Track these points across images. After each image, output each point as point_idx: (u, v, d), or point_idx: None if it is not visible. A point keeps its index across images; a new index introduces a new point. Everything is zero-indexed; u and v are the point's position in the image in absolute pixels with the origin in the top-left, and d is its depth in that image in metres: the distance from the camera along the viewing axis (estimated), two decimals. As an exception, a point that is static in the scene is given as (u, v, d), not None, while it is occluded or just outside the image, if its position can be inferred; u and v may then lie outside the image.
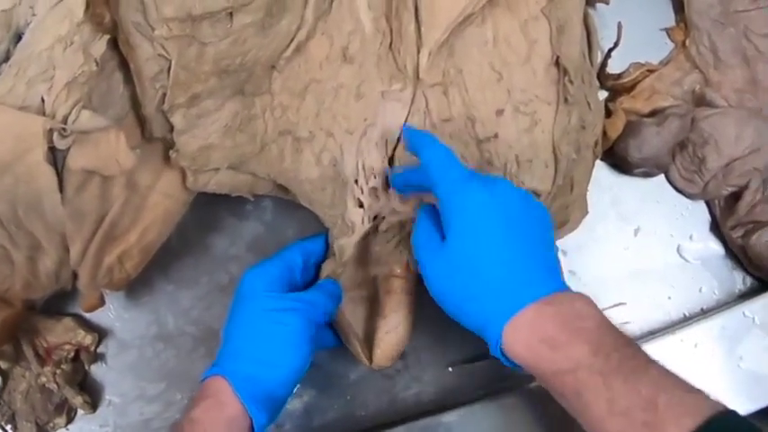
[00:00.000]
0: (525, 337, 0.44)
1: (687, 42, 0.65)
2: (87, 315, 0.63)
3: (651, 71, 0.64)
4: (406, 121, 0.57)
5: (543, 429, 0.58)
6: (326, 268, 0.58)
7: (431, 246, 0.49)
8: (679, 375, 0.42)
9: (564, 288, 0.46)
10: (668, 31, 0.66)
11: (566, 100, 0.57)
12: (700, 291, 0.64)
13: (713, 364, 0.60)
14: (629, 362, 0.42)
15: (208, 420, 0.49)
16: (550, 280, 0.46)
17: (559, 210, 0.58)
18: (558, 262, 0.49)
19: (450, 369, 0.63)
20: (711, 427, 0.39)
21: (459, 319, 0.48)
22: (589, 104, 0.59)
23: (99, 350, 0.64)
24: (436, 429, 0.59)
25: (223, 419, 0.49)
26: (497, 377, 0.62)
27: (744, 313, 0.60)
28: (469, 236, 0.47)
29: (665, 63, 0.65)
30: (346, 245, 0.57)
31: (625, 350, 0.43)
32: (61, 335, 0.62)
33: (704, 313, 0.63)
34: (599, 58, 0.63)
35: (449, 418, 0.59)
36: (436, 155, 0.50)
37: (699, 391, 0.42)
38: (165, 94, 0.52)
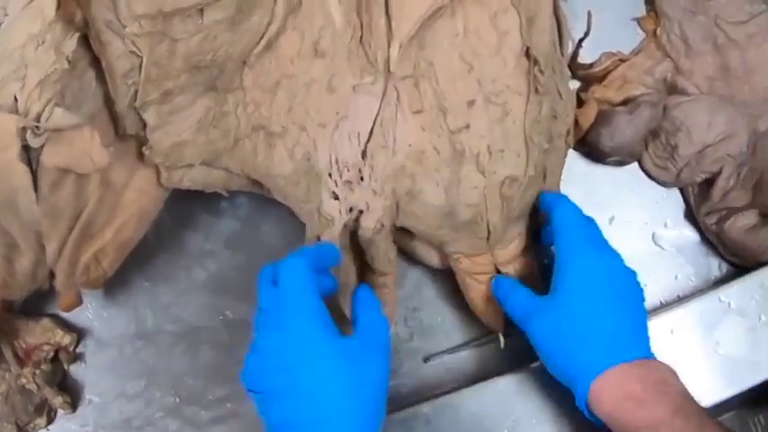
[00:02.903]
0: (612, 392, 0.48)
1: (658, 31, 0.65)
2: (65, 315, 0.63)
3: (623, 60, 0.65)
4: (378, 113, 0.57)
5: (523, 415, 0.58)
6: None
7: (533, 302, 0.54)
8: None
9: (651, 356, 0.51)
10: (639, 20, 0.67)
11: (536, 90, 0.57)
12: (676, 278, 0.65)
13: (691, 349, 0.60)
14: (709, 427, 0.46)
15: None
16: (641, 347, 0.51)
17: (533, 199, 0.59)
18: (647, 332, 0.53)
19: (425, 362, 0.64)
20: None
21: (550, 367, 0.53)
22: (560, 94, 0.59)
23: (78, 350, 0.64)
24: (417, 421, 0.59)
25: None
26: (471, 370, 0.63)
27: (720, 298, 0.60)
28: (580, 295, 0.51)
29: (636, 52, 0.66)
30: (329, 237, 0.57)
31: (705, 418, 0.47)
32: (40, 335, 0.62)
33: (681, 300, 0.63)
34: (570, 49, 0.63)
35: (426, 409, 0.59)
36: (565, 216, 0.54)
37: None
38: (137, 91, 0.52)
